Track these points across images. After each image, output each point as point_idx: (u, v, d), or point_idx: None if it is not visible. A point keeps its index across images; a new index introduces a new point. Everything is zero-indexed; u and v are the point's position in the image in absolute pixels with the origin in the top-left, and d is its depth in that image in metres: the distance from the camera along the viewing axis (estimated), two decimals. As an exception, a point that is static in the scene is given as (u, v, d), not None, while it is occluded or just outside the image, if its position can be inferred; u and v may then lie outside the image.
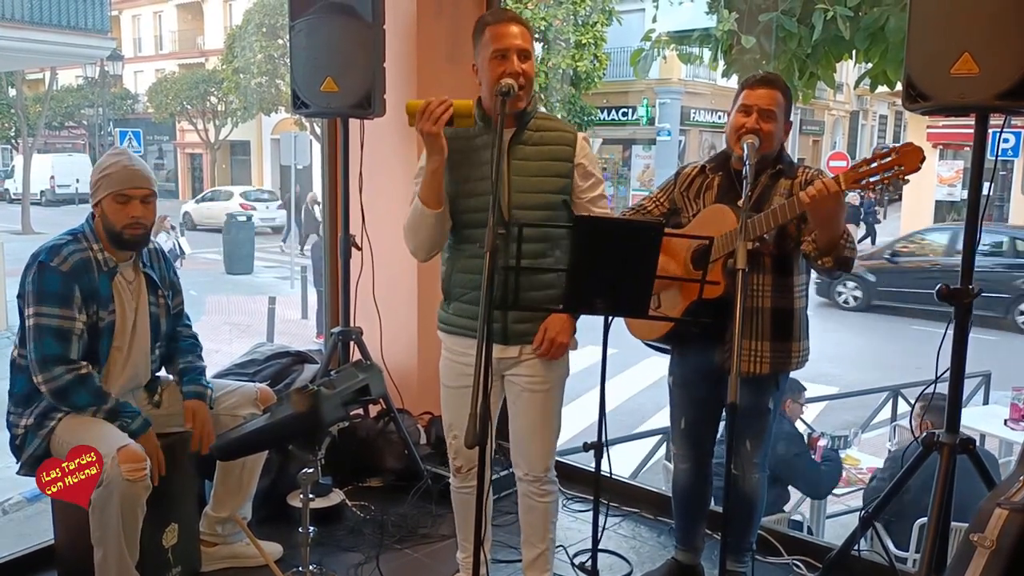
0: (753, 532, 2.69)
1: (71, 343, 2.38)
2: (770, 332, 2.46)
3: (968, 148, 2.48)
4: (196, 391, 2.62)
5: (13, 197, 27.45)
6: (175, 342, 2.71)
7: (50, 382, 2.36)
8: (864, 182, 2.17)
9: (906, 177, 2.14)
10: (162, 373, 2.73)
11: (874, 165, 2.16)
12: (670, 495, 2.85)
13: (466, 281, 2.37)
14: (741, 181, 2.43)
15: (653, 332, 2.61)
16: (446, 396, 2.50)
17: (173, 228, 13.56)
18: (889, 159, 2.14)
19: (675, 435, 2.76)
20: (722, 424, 2.70)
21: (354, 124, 3.36)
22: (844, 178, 2.19)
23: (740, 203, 2.42)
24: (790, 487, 4.43)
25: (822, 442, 4.62)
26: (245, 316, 12.78)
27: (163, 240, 12.75)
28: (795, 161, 2.58)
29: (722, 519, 2.25)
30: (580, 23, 18.47)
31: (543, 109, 2.43)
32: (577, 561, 2.87)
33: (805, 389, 4.86)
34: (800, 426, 4.76)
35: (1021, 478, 2.08)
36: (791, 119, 2.53)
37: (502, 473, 3.30)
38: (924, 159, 2.15)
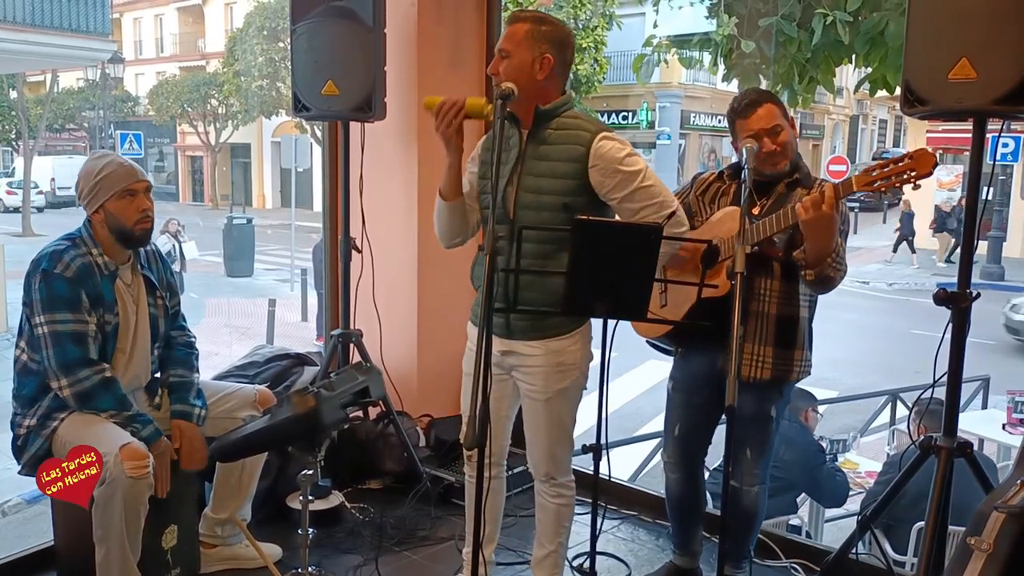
0: (752, 541, 2.69)
1: (88, 345, 2.39)
2: (774, 338, 2.46)
3: (968, 152, 2.49)
4: (183, 411, 2.58)
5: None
6: (170, 349, 2.70)
7: (75, 385, 2.36)
8: (876, 184, 2.21)
9: (918, 182, 2.17)
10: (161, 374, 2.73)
11: (888, 168, 2.20)
12: (667, 499, 2.86)
13: (479, 273, 2.38)
14: (759, 191, 2.47)
15: (658, 329, 2.61)
16: (464, 384, 2.52)
17: (179, 231, 13.46)
18: (903, 163, 2.18)
19: (667, 442, 2.75)
20: (720, 428, 2.70)
21: (355, 127, 3.36)
22: (856, 180, 2.23)
23: (755, 211, 2.45)
24: (800, 497, 4.45)
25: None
26: (245, 318, 12.80)
27: (162, 244, 12.72)
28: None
29: (720, 527, 2.25)
30: (580, 27, 18.48)
31: (576, 108, 2.39)
32: (576, 563, 2.87)
33: (817, 399, 4.85)
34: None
35: (1019, 481, 2.09)
36: (791, 117, 2.54)
37: (516, 470, 3.27)
38: (937, 164, 2.19)
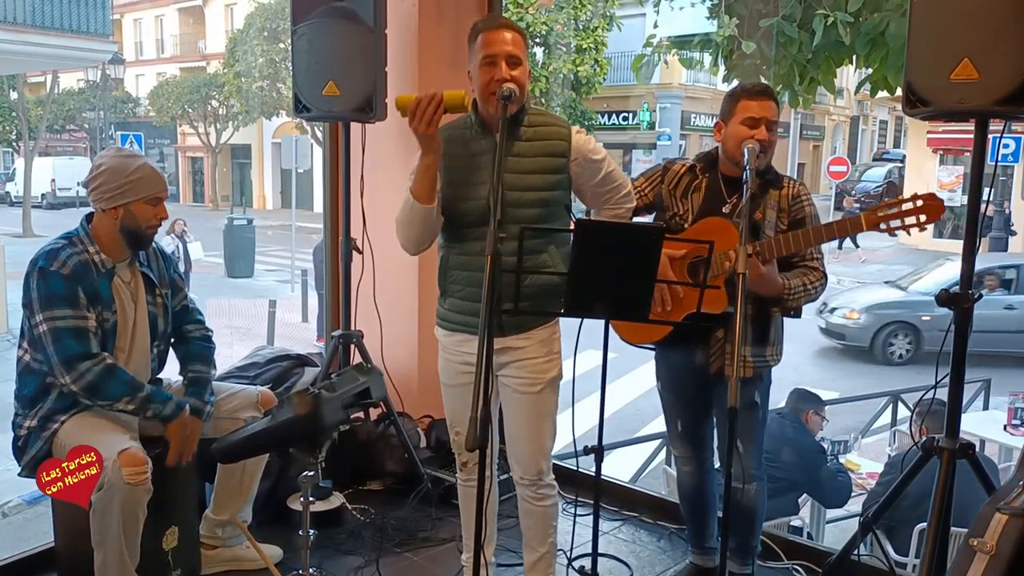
0: (755, 538, 2.70)
1: (90, 339, 2.39)
2: (752, 338, 2.51)
3: (968, 153, 2.51)
4: (197, 406, 2.58)
5: (14, 200, 27.48)
6: (186, 344, 2.70)
7: (80, 380, 2.36)
8: (884, 225, 2.30)
9: (925, 226, 2.27)
10: (163, 375, 2.72)
11: (894, 211, 2.28)
12: (670, 499, 2.86)
13: (461, 277, 2.37)
14: (730, 187, 2.52)
15: (644, 337, 2.63)
16: (445, 394, 2.51)
17: (184, 232, 13.46)
18: (911, 206, 2.27)
19: (673, 438, 2.77)
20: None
21: (355, 128, 3.36)
22: (866, 218, 2.32)
23: (725, 209, 2.50)
24: (801, 498, 4.45)
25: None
26: (245, 319, 12.79)
27: (166, 244, 12.71)
28: (780, 172, 2.61)
29: (722, 524, 2.25)
30: (581, 28, 18.50)
31: (534, 106, 2.43)
32: (577, 565, 2.86)
33: (825, 404, 4.85)
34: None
35: (1021, 483, 2.08)
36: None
37: (501, 477, 3.29)
38: (944, 211, 2.27)
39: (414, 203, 2.29)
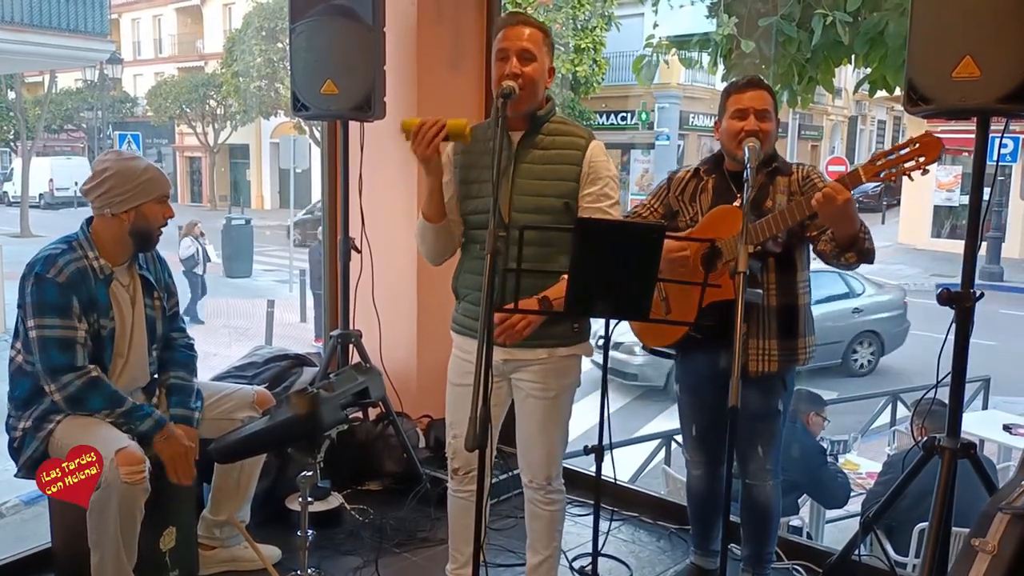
0: (772, 541, 2.67)
1: (76, 351, 2.37)
2: (776, 330, 2.47)
3: (967, 153, 2.49)
4: (183, 415, 2.57)
5: (12, 200, 27.43)
6: (171, 350, 2.69)
7: (62, 390, 2.36)
8: (883, 174, 2.20)
9: (926, 167, 2.16)
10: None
11: (892, 157, 2.19)
12: (670, 499, 2.85)
13: (470, 281, 2.36)
14: (737, 183, 2.47)
15: (664, 339, 2.60)
16: (451, 394, 2.47)
17: (202, 234, 13.48)
18: (908, 150, 2.17)
19: (687, 442, 2.75)
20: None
21: (354, 127, 3.35)
22: (864, 170, 2.22)
23: (736, 204, 2.45)
24: (801, 498, 4.45)
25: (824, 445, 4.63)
26: (244, 319, 12.78)
27: (186, 246, 12.75)
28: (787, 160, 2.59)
29: (724, 518, 2.23)
30: (579, 28, 18.49)
31: (560, 113, 2.41)
32: (577, 565, 2.86)
33: (826, 404, 4.85)
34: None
35: (1023, 482, 2.08)
36: (778, 118, 2.54)
37: (501, 477, 3.29)
38: (944, 147, 2.18)
39: (424, 222, 2.32)
